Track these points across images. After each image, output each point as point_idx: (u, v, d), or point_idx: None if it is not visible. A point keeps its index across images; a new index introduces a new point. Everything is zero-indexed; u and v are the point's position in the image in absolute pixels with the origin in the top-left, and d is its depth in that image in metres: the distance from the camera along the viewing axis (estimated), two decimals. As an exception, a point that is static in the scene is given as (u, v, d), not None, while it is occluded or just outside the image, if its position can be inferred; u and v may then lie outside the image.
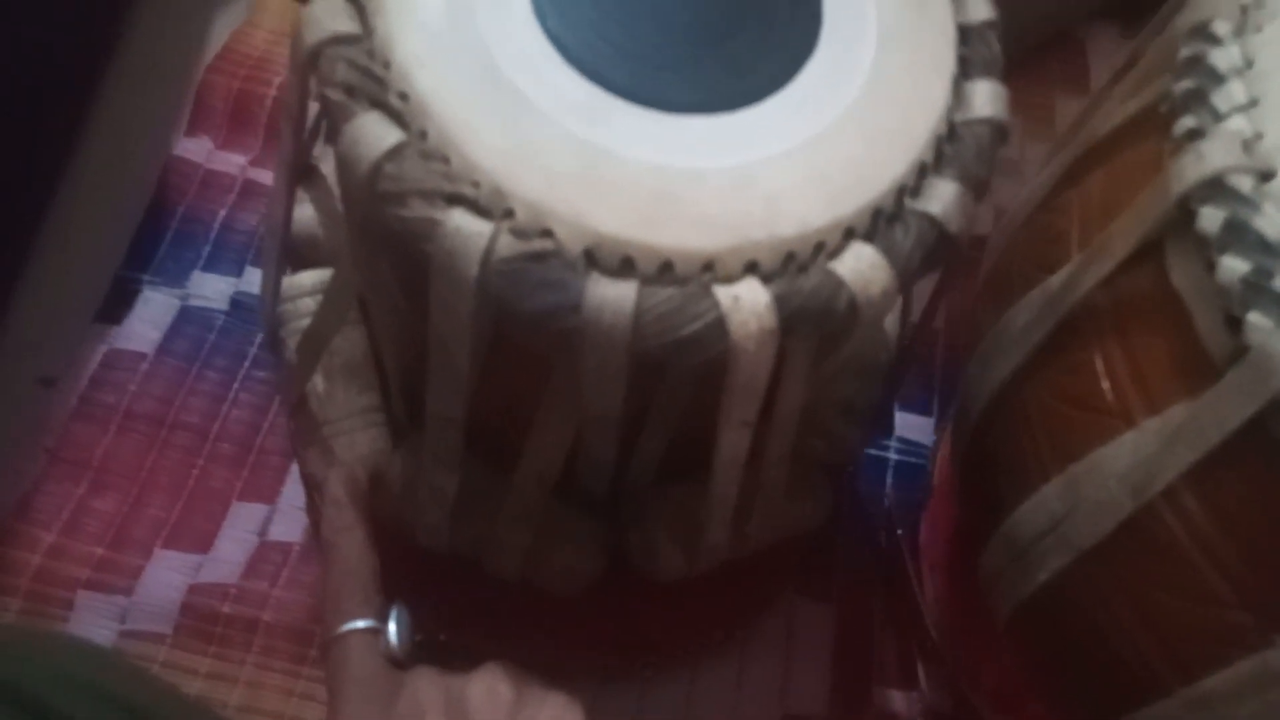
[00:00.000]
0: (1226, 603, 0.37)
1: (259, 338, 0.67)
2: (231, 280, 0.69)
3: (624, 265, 0.35)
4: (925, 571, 0.62)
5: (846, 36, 0.40)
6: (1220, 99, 0.37)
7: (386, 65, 0.37)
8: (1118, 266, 0.38)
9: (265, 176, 0.72)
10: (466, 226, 0.35)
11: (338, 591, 0.42)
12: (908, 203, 0.38)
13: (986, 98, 0.40)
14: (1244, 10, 0.39)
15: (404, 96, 0.37)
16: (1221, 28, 0.38)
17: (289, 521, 0.62)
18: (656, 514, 0.48)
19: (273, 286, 0.51)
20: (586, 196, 0.36)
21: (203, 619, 0.59)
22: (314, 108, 0.42)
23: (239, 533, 0.62)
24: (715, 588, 0.50)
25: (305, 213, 0.50)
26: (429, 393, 0.41)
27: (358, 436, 0.49)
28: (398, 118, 0.37)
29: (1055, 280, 0.42)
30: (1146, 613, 0.39)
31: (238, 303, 0.68)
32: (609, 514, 0.48)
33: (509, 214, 0.35)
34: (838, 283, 0.36)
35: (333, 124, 0.37)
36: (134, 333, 0.66)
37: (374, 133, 0.36)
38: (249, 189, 0.72)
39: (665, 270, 0.35)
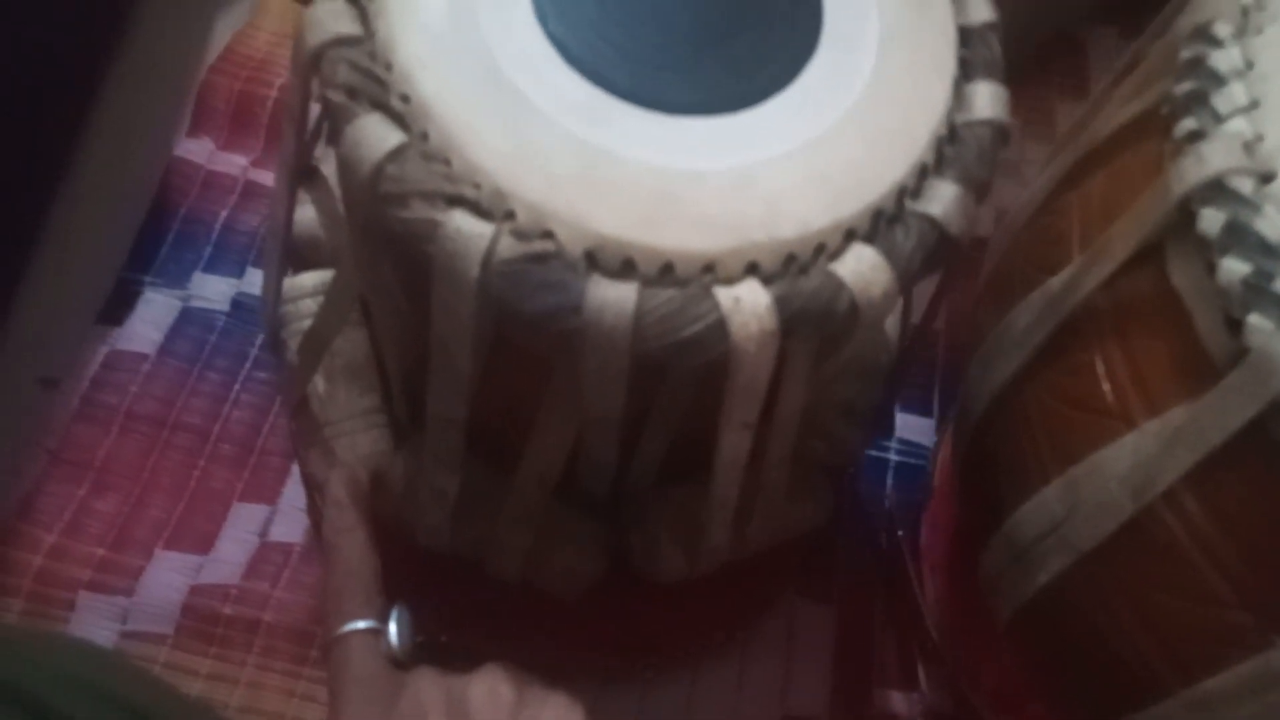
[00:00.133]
0: (1227, 604, 0.37)
1: (260, 339, 0.67)
2: (233, 281, 0.69)
3: (625, 266, 0.35)
4: (926, 572, 0.62)
5: (847, 38, 0.40)
6: (1221, 101, 0.37)
7: (388, 67, 0.37)
8: (1118, 268, 0.38)
9: (267, 178, 0.72)
10: (468, 228, 0.35)
11: (339, 592, 0.42)
12: (908, 204, 0.38)
13: (987, 99, 0.40)
14: (1245, 12, 0.39)
15: (405, 98, 0.37)
16: (1222, 30, 0.38)
17: (290, 522, 0.62)
18: (657, 515, 0.48)
19: (274, 287, 0.51)
20: (587, 198, 0.36)
21: (204, 620, 0.59)
22: (316, 109, 0.42)
23: (240, 534, 0.62)
24: (716, 589, 0.50)
25: (307, 214, 0.50)
26: (430, 394, 0.41)
27: (359, 437, 0.49)
28: (399, 119, 0.37)
29: (1056, 282, 0.42)
30: (1147, 614, 0.39)
31: (239, 304, 0.68)
32: (610, 515, 0.48)
33: (510, 215, 0.36)
34: (838, 284, 0.36)
35: (334, 125, 0.37)
36: (135, 334, 0.66)
37: (375, 134, 0.36)
38: (250, 190, 0.72)
39: (666, 271, 0.35)
